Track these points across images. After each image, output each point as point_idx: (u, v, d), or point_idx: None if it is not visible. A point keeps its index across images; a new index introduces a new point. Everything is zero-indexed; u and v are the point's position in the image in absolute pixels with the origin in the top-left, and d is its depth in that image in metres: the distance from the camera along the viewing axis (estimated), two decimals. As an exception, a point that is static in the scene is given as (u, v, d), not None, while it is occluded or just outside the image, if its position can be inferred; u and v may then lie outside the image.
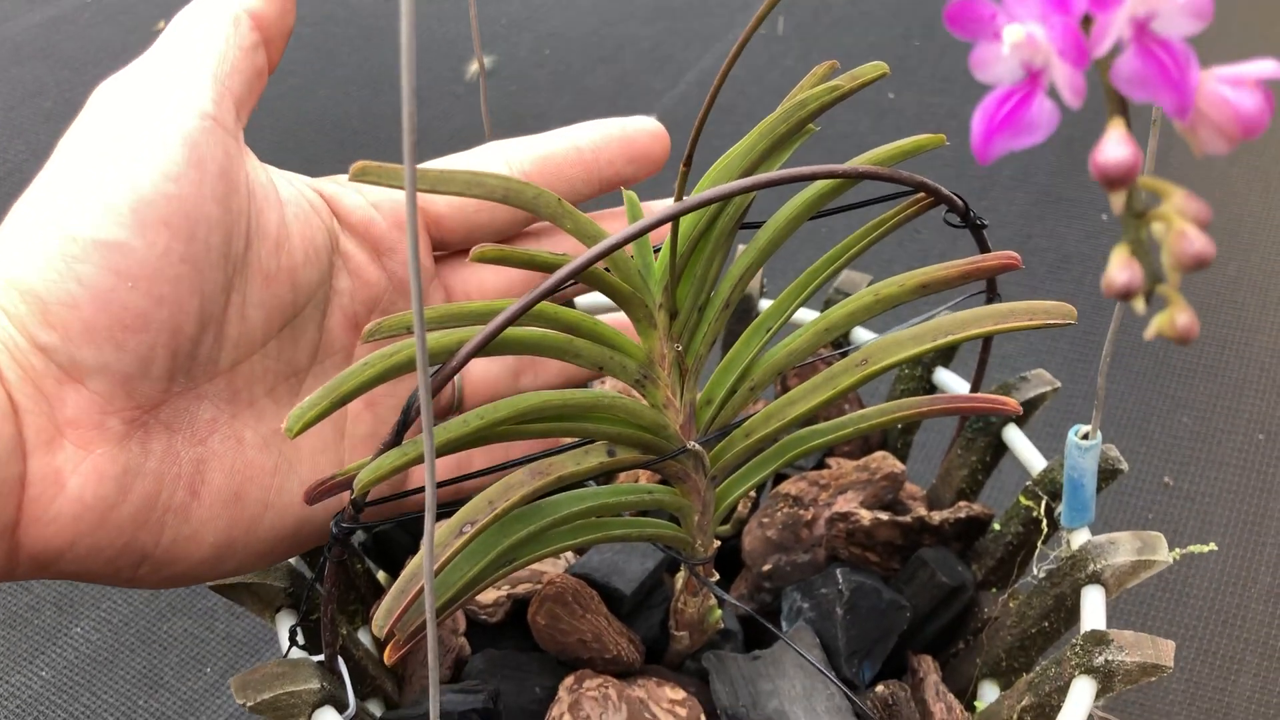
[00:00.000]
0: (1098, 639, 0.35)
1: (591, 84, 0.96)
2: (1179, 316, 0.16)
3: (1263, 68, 0.16)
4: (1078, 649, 0.36)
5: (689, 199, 0.29)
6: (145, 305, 0.28)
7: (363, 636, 0.43)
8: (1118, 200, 0.16)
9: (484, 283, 0.36)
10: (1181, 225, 0.16)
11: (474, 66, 0.93)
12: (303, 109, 0.94)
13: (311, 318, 0.33)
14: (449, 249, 0.36)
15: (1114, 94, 0.16)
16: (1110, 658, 0.34)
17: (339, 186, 0.34)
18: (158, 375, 0.29)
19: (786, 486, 0.45)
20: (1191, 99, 0.16)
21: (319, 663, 0.35)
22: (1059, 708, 0.35)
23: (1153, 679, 0.34)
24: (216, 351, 0.30)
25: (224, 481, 0.31)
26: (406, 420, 0.29)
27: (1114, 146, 0.16)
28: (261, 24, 0.32)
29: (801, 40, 1.00)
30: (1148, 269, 0.16)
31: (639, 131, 0.37)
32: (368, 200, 0.34)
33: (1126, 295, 0.16)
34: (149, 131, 0.29)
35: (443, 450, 0.29)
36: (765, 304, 0.49)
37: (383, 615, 0.29)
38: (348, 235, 0.34)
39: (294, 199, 0.32)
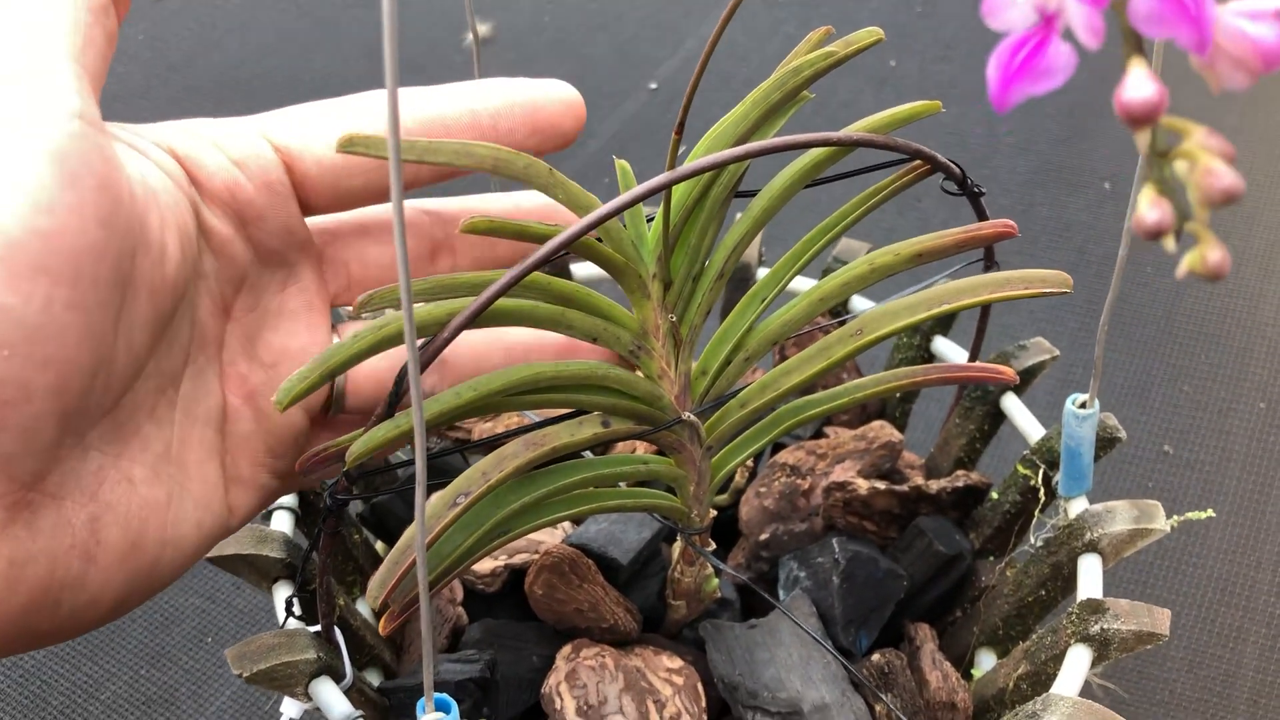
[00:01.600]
0: (1094, 607, 0.35)
1: (591, 52, 0.96)
2: (1210, 253, 0.16)
3: None
4: (1074, 617, 0.36)
5: (680, 168, 0.29)
6: (26, 372, 0.23)
7: (360, 607, 0.43)
8: (1142, 139, 0.16)
9: (366, 255, 0.33)
10: (1208, 161, 0.15)
11: (470, 35, 0.93)
12: (300, 77, 0.93)
13: (184, 315, 0.29)
14: (313, 213, 0.31)
15: (1131, 33, 0.16)
16: (1106, 626, 0.34)
17: (194, 142, 0.29)
18: (44, 446, 0.24)
19: (784, 456, 0.45)
20: (1210, 33, 0.15)
21: (315, 633, 0.35)
22: (1055, 675, 0.35)
23: (1149, 647, 0.35)
24: (105, 395, 0.26)
25: (120, 535, 0.27)
26: (399, 393, 0.29)
27: (1138, 84, 0.15)
28: None
29: (802, 7, 0.99)
30: (1176, 206, 0.16)
31: (549, 99, 0.32)
32: (229, 158, 0.29)
33: (1158, 234, 0.16)
34: (3, 151, 0.23)
35: (434, 422, 0.29)
36: (764, 272, 0.49)
37: (376, 586, 0.29)
38: (210, 206, 0.29)
39: (162, 184, 0.27)
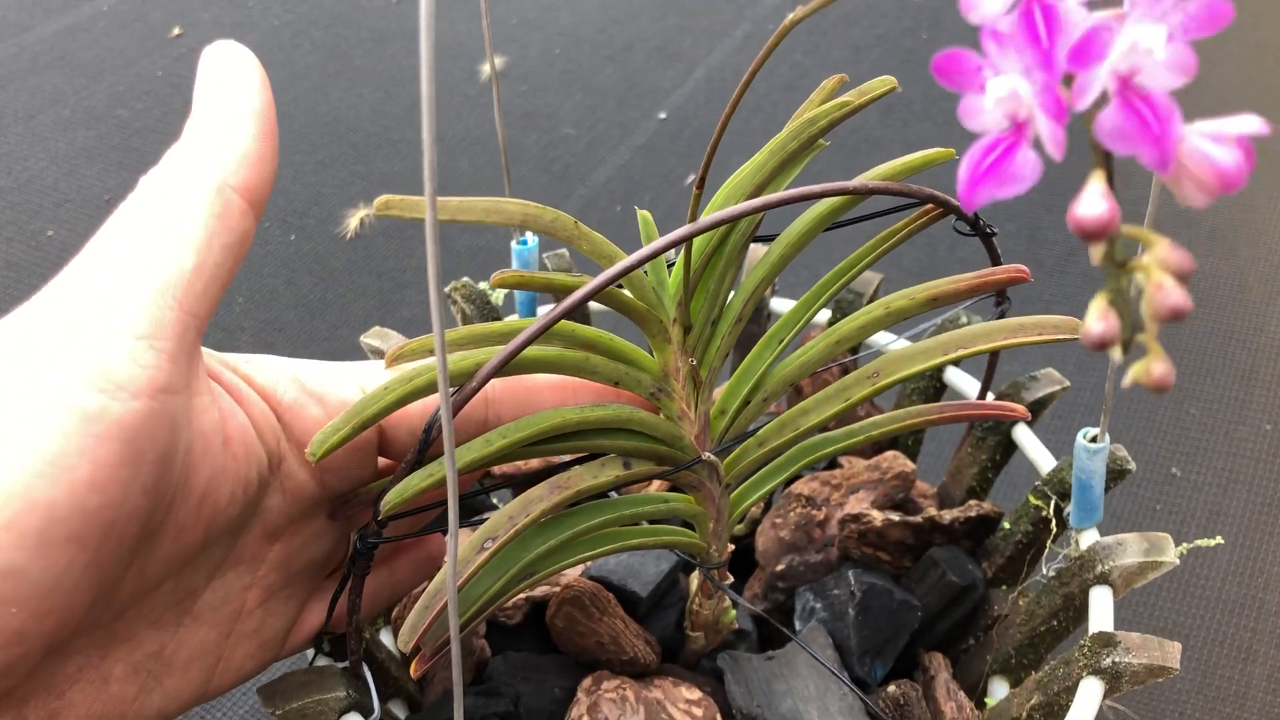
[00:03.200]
0: (1105, 640, 0.36)
1: (600, 83, 0.97)
2: (1155, 366, 0.17)
3: (1245, 124, 0.16)
4: (1085, 650, 0.36)
5: (701, 221, 0.30)
6: (27, 625, 0.22)
7: (385, 639, 0.44)
8: (1096, 253, 0.17)
9: None
10: (1159, 277, 0.16)
11: (486, 67, 0.94)
12: (315, 111, 0.94)
13: (221, 544, 0.28)
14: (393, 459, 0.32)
15: (1097, 146, 0.17)
16: (1118, 659, 0.35)
17: (301, 394, 0.29)
18: (23, 672, 0.24)
19: (799, 487, 0.46)
20: (1172, 155, 0.16)
21: (344, 669, 0.36)
22: (1068, 707, 0.36)
23: (1159, 680, 0.35)
24: (102, 618, 0.26)
25: None
26: (428, 440, 0.30)
27: (1091, 202, 0.16)
28: (254, 198, 0.26)
29: (810, 34, 1.00)
30: (1126, 318, 0.17)
31: (541, 392, 0.33)
32: (328, 415, 0.29)
33: (1103, 346, 0.17)
34: (71, 421, 0.22)
35: (465, 470, 0.30)
36: (776, 303, 0.50)
37: (408, 631, 0.30)
38: (296, 455, 0.29)
39: (240, 431, 0.27)
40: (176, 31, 1.02)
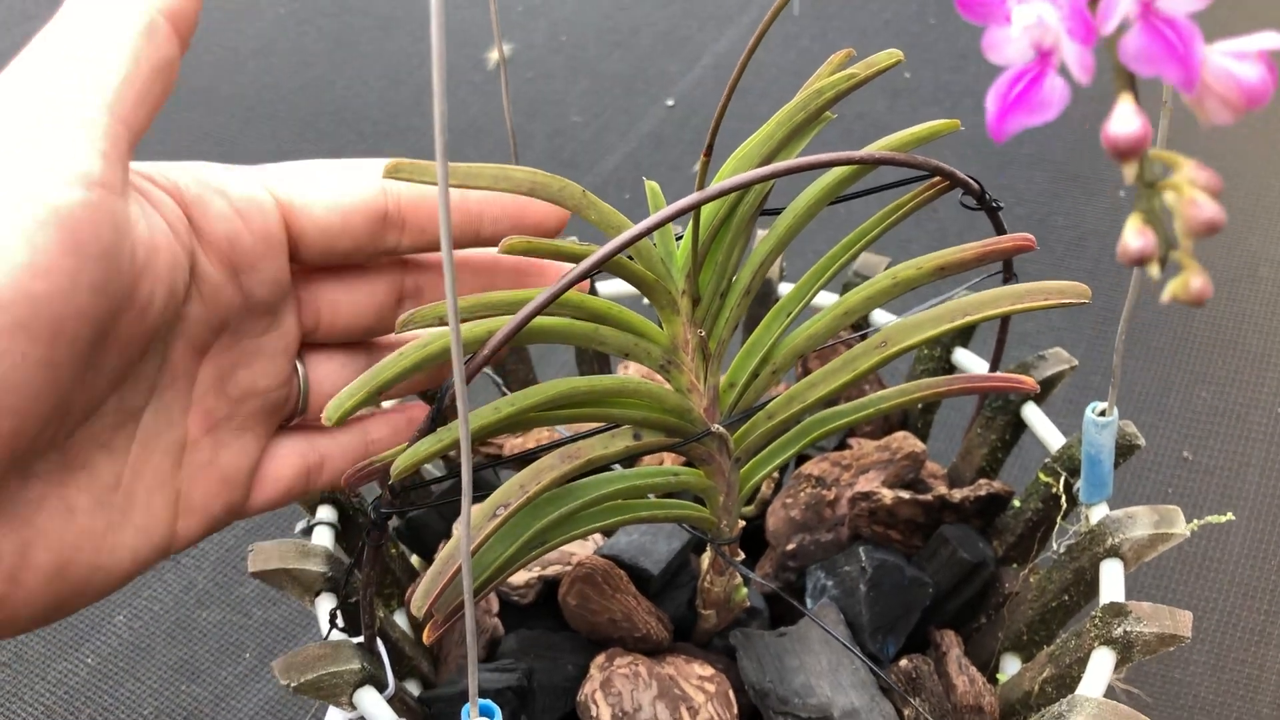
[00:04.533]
0: (1116, 610, 0.36)
1: (607, 69, 0.97)
2: (1193, 280, 0.17)
3: (1265, 40, 0.17)
4: (1097, 621, 0.36)
5: (709, 189, 0.30)
6: None
7: (399, 619, 0.44)
8: (1130, 171, 0.17)
9: (337, 300, 0.33)
10: (1192, 193, 0.16)
11: (494, 55, 0.94)
12: (322, 99, 0.95)
13: (154, 356, 0.28)
14: (303, 265, 0.32)
15: (1122, 69, 0.17)
16: (1129, 629, 0.35)
17: (201, 188, 0.29)
18: None
19: (809, 467, 0.46)
20: (1197, 73, 0.16)
21: (358, 644, 0.36)
22: (1079, 678, 0.36)
23: (1171, 649, 0.35)
24: (58, 433, 0.26)
25: (49, 559, 0.26)
26: (440, 408, 0.30)
27: (1124, 119, 0.16)
28: (179, 25, 0.27)
29: (817, 19, 1.00)
30: (1161, 236, 0.17)
31: (532, 202, 0.33)
32: (233, 207, 0.29)
33: (1141, 261, 0.17)
34: (11, 208, 0.23)
35: (475, 436, 0.30)
36: (785, 287, 0.50)
37: (421, 596, 0.30)
38: (206, 254, 0.29)
39: (165, 239, 0.27)
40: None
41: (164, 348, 0.29)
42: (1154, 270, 0.17)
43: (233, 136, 0.91)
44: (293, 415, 0.33)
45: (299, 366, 0.32)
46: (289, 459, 0.32)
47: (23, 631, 0.27)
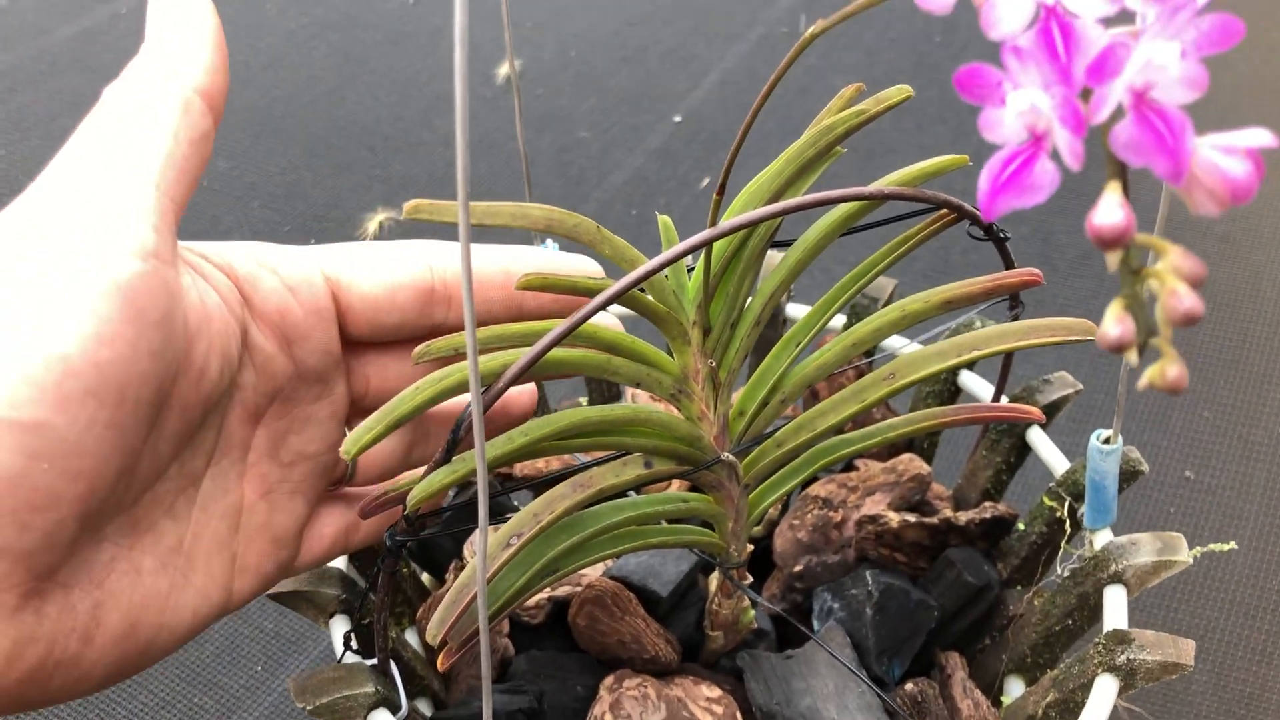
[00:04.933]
0: (1120, 638, 0.36)
1: (615, 85, 0.98)
2: (1169, 369, 0.17)
3: (1254, 137, 0.17)
4: (1100, 647, 0.37)
5: (720, 225, 0.30)
6: (59, 484, 0.25)
7: (410, 637, 0.44)
8: (1113, 259, 0.17)
9: (386, 370, 0.34)
10: (1173, 284, 0.17)
11: (503, 70, 0.95)
12: (333, 114, 0.95)
13: (212, 423, 0.30)
14: (352, 340, 0.33)
15: (1113, 158, 0.17)
16: (1132, 656, 0.36)
17: (256, 267, 0.31)
18: (63, 544, 0.26)
19: (816, 489, 0.47)
20: (1185, 166, 0.17)
21: (372, 666, 0.36)
22: (1083, 704, 0.36)
23: (1173, 677, 0.36)
24: (126, 496, 0.28)
25: (119, 619, 0.28)
26: (456, 439, 0.31)
27: (1109, 210, 0.17)
28: (213, 102, 0.29)
29: (824, 37, 1.01)
30: (1141, 323, 0.17)
31: (575, 300, 0.34)
32: (284, 283, 0.31)
33: (1120, 348, 0.17)
34: (77, 283, 0.25)
35: (490, 467, 0.30)
36: (791, 308, 0.51)
37: (436, 625, 0.30)
38: (258, 325, 0.31)
39: (217, 309, 0.29)
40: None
41: (221, 416, 0.30)
42: (1132, 357, 0.18)
43: (243, 150, 0.91)
44: (342, 479, 0.34)
45: (348, 432, 0.33)
46: (333, 517, 0.34)
47: (93, 692, 0.28)
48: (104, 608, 0.27)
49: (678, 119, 0.93)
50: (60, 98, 0.97)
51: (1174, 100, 0.17)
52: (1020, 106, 0.17)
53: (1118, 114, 0.17)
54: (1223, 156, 0.17)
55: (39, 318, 0.24)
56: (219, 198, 0.87)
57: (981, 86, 0.18)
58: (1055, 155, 0.18)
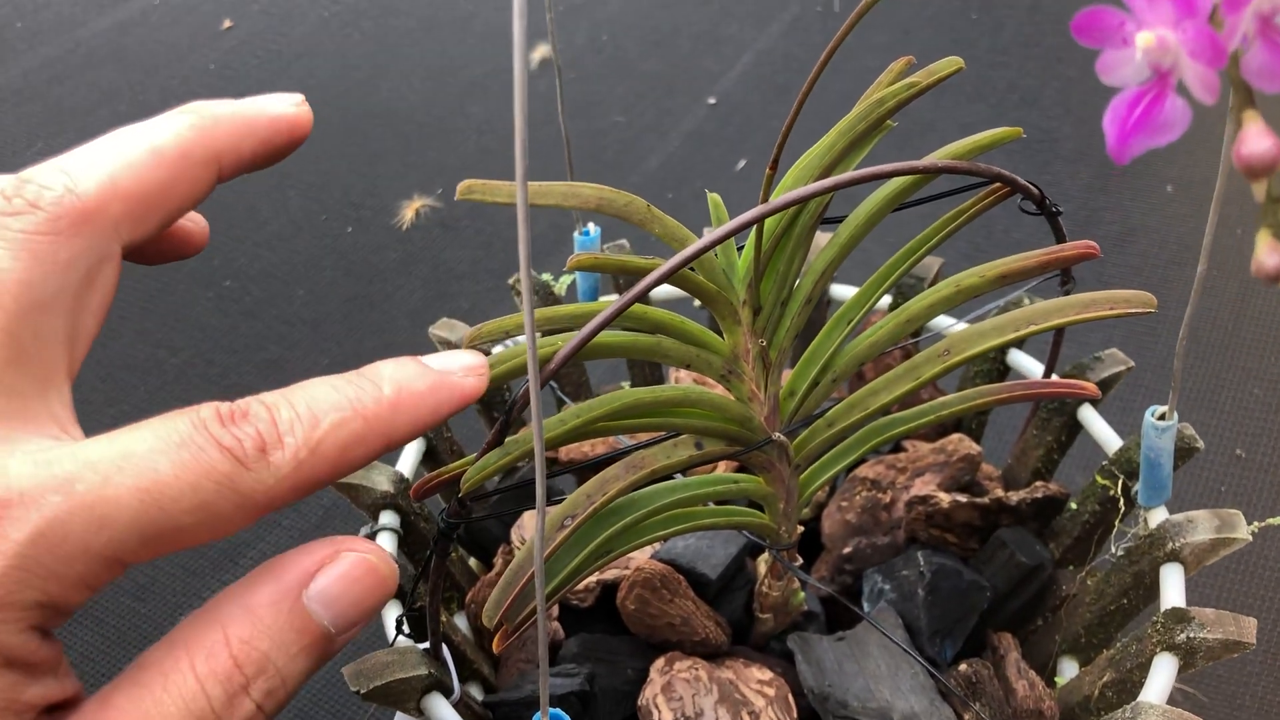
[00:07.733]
0: (1179, 616, 0.36)
1: (647, 69, 0.97)
2: None
3: None
4: (1159, 626, 0.36)
5: (772, 202, 0.30)
6: None
7: (459, 621, 0.44)
8: (1259, 189, 0.17)
9: None
10: None
11: (539, 54, 0.94)
12: (366, 102, 0.95)
13: None
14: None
15: (1241, 86, 0.17)
16: (1192, 635, 0.35)
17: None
18: None
19: (864, 470, 0.46)
20: None
21: (424, 650, 0.36)
22: (1141, 683, 0.36)
23: (1234, 655, 0.35)
24: None
25: None
26: (508, 420, 0.30)
27: (1256, 139, 0.17)
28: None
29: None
30: None
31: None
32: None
33: (1278, 278, 0.17)
34: None
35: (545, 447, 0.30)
36: (835, 288, 0.50)
37: (492, 607, 0.30)
38: None
39: None
40: (227, 24, 1.04)
41: None
42: None
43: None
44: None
45: None
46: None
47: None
48: None
49: (712, 101, 0.92)
50: (96, 90, 0.98)
51: None
52: (1149, 43, 0.17)
53: (1241, 46, 0.17)
54: None
55: None
56: (255, 187, 0.87)
57: (1102, 29, 0.18)
58: (1182, 91, 0.18)
